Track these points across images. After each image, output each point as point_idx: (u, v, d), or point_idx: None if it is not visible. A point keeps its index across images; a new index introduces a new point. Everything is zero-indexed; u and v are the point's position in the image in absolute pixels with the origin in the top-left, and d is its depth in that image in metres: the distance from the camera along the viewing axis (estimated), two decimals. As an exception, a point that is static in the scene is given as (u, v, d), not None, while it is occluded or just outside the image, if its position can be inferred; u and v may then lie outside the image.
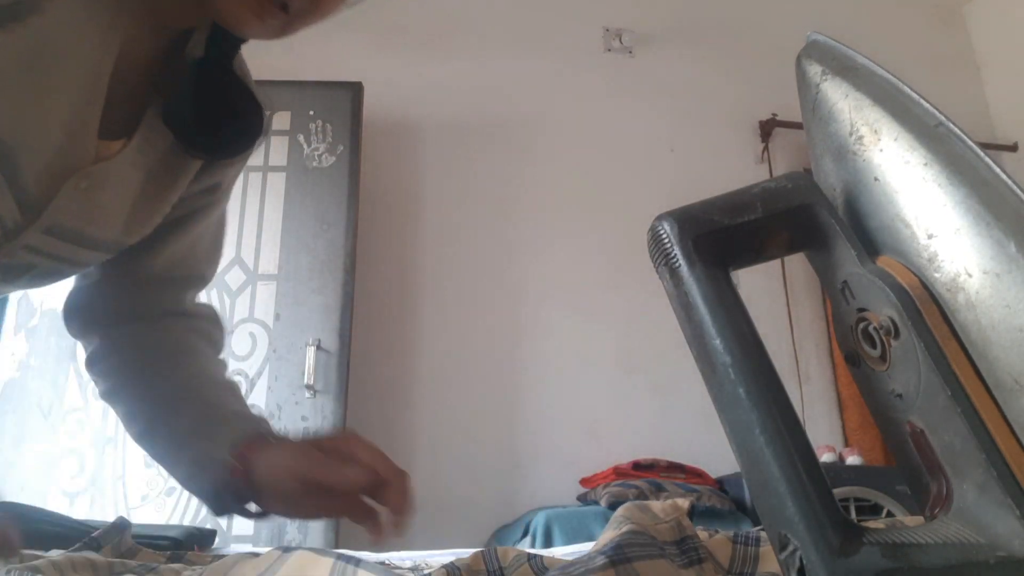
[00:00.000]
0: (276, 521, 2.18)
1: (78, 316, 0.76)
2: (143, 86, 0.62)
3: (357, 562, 0.32)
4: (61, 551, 0.52)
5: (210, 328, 0.81)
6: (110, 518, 0.66)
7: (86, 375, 2.46)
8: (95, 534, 0.60)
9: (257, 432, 0.66)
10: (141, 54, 0.61)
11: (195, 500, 2.26)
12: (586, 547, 0.53)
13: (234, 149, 0.70)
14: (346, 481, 0.59)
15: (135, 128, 0.62)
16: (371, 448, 0.62)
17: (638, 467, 2.34)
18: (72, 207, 0.58)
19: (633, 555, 0.37)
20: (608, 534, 0.42)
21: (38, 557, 0.47)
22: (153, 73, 0.63)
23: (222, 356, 0.81)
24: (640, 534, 0.40)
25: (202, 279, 0.80)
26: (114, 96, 0.58)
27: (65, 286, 0.76)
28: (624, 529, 0.41)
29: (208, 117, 0.65)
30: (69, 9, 0.51)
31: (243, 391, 0.78)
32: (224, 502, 0.65)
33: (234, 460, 0.63)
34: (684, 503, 0.51)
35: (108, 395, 0.75)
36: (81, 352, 0.77)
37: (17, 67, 0.50)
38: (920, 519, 0.33)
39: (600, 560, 0.36)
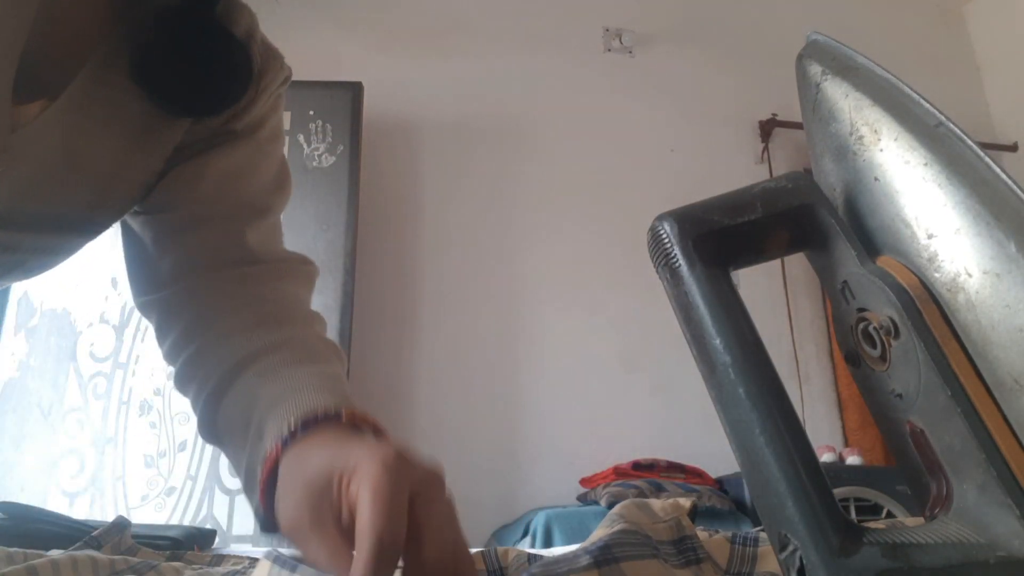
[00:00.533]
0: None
1: (139, 288, 0.64)
2: (88, 42, 0.54)
3: (293, 567, 0.30)
4: (61, 551, 0.52)
5: (297, 267, 0.65)
6: (110, 518, 0.65)
7: (86, 375, 2.46)
8: (95, 533, 0.60)
9: (303, 414, 0.46)
10: (81, 5, 0.54)
11: (195, 500, 2.27)
12: (586, 547, 0.52)
13: (213, 103, 0.60)
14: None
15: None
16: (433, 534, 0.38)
17: (638, 467, 2.34)
18: None
19: (622, 555, 0.37)
20: (599, 532, 0.41)
21: (39, 557, 0.47)
22: (102, 26, 0.55)
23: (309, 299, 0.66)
24: (633, 533, 0.40)
25: (265, 210, 0.65)
26: (46, 55, 0.51)
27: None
28: (616, 528, 0.40)
29: (176, 68, 0.57)
30: None
31: (321, 345, 0.59)
32: (264, 524, 0.47)
33: (263, 466, 0.45)
34: (686, 502, 0.50)
35: (177, 382, 0.61)
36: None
37: None
38: (920, 519, 0.33)
39: (585, 560, 0.36)
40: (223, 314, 0.59)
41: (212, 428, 0.56)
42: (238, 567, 0.61)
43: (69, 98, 0.54)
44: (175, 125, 0.61)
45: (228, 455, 0.54)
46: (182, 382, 0.61)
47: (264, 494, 0.46)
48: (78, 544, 0.57)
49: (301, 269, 0.66)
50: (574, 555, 0.37)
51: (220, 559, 0.67)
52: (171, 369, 0.62)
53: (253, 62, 0.62)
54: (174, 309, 0.62)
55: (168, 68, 0.56)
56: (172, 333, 0.62)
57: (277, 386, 0.51)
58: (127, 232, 0.67)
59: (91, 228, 0.62)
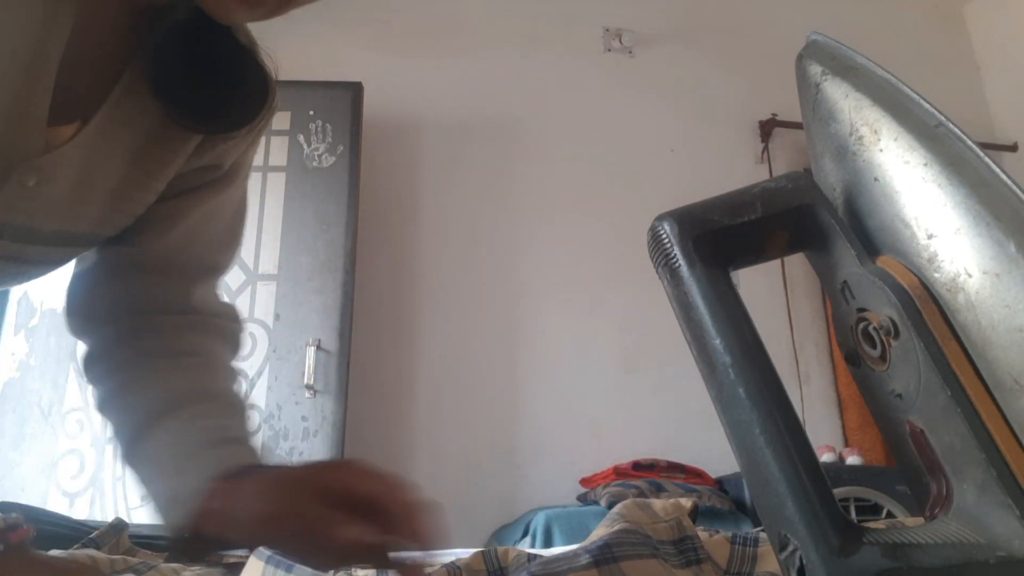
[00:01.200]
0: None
1: (76, 310, 0.67)
2: (111, 65, 0.56)
3: (289, 567, 0.31)
4: (61, 551, 0.52)
5: (225, 325, 0.70)
6: (110, 518, 0.65)
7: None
8: (93, 535, 0.60)
9: (238, 464, 0.55)
10: (107, 31, 0.55)
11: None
12: (586, 547, 0.52)
13: (235, 119, 0.62)
14: (335, 541, 0.47)
15: (96, 111, 0.55)
16: (375, 479, 0.51)
17: (638, 467, 2.34)
18: (20, 204, 0.53)
19: (621, 554, 0.37)
20: (599, 531, 0.41)
21: (38, 557, 0.47)
22: (124, 50, 0.56)
23: (235, 361, 0.71)
24: (633, 533, 0.40)
25: (214, 269, 0.70)
26: (74, 78, 0.52)
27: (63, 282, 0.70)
28: (616, 528, 0.40)
29: (202, 83, 0.58)
30: None
31: (245, 405, 0.67)
32: (188, 547, 0.54)
33: (202, 499, 0.52)
34: (687, 503, 0.50)
35: (102, 405, 0.66)
36: (82, 351, 0.71)
37: None
38: (920, 519, 0.33)
39: (584, 559, 0.36)
40: (154, 357, 0.65)
41: (133, 454, 0.61)
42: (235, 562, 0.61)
43: (99, 121, 0.55)
44: (181, 149, 0.62)
45: (145, 479, 0.59)
46: (106, 405, 0.65)
47: (203, 518, 0.52)
48: (76, 546, 0.57)
49: (228, 327, 0.71)
50: (574, 554, 0.37)
51: (218, 559, 0.67)
52: (92, 386, 0.67)
53: (270, 79, 0.63)
54: (111, 345, 0.67)
55: (192, 83, 0.58)
56: (105, 362, 0.66)
57: (204, 435, 0.58)
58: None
59: (93, 242, 0.63)
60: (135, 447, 0.60)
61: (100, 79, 0.56)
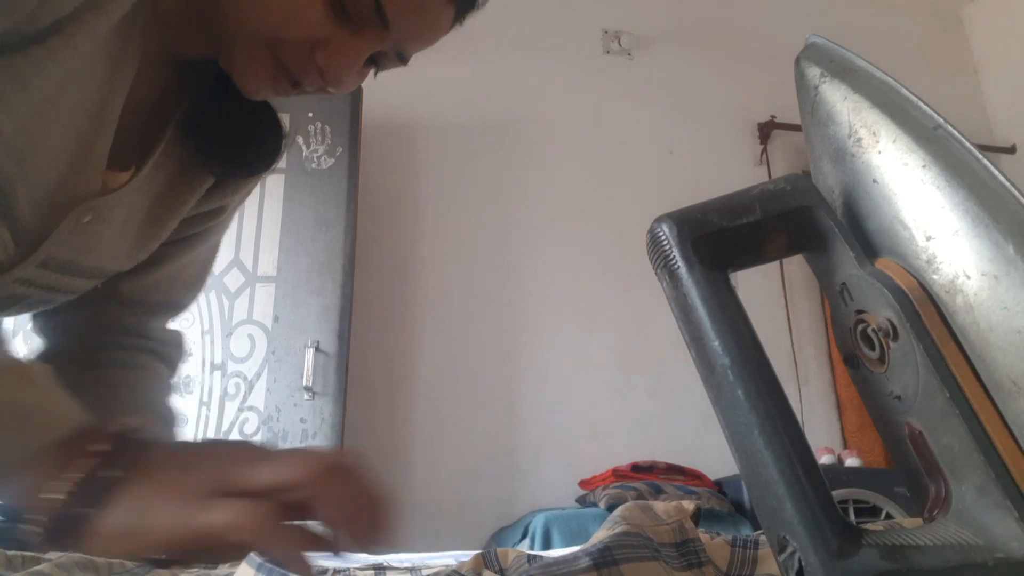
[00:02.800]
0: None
1: (48, 320, 0.72)
2: (155, 115, 0.61)
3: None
4: (60, 553, 0.52)
5: (171, 352, 0.77)
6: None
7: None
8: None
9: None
10: (155, 83, 0.59)
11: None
12: (585, 549, 0.52)
13: (254, 167, 0.69)
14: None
15: (144, 157, 0.60)
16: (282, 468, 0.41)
17: (637, 469, 2.34)
18: (71, 240, 0.56)
19: (621, 557, 0.37)
20: (600, 534, 0.41)
21: (39, 560, 0.47)
22: (170, 101, 0.62)
23: (173, 378, 0.78)
24: (634, 535, 0.40)
25: (178, 307, 0.78)
26: (124, 126, 0.56)
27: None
28: (617, 530, 0.40)
29: (238, 134, 0.65)
30: (90, 37, 0.48)
31: (176, 417, 0.75)
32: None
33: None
34: (690, 505, 0.50)
35: (44, 357, 0.71)
36: (39, 346, 0.73)
37: (24, 93, 0.46)
38: (919, 521, 0.33)
39: (584, 562, 0.36)
40: (107, 366, 0.70)
41: None
42: (235, 569, 0.61)
43: (149, 167, 0.60)
44: (195, 192, 0.68)
45: None
46: (46, 360, 0.69)
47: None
48: (75, 547, 0.57)
49: (172, 355, 0.79)
50: (574, 556, 0.37)
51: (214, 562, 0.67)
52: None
53: (283, 131, 0.69)
54: (70, 345, 0.71)
55: (229, 133, 0.64)
56: (64, 356, 0.70)
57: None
58: None
59: (114, 272, 0.67)
60: None
61: (149, 127, 0.60)
